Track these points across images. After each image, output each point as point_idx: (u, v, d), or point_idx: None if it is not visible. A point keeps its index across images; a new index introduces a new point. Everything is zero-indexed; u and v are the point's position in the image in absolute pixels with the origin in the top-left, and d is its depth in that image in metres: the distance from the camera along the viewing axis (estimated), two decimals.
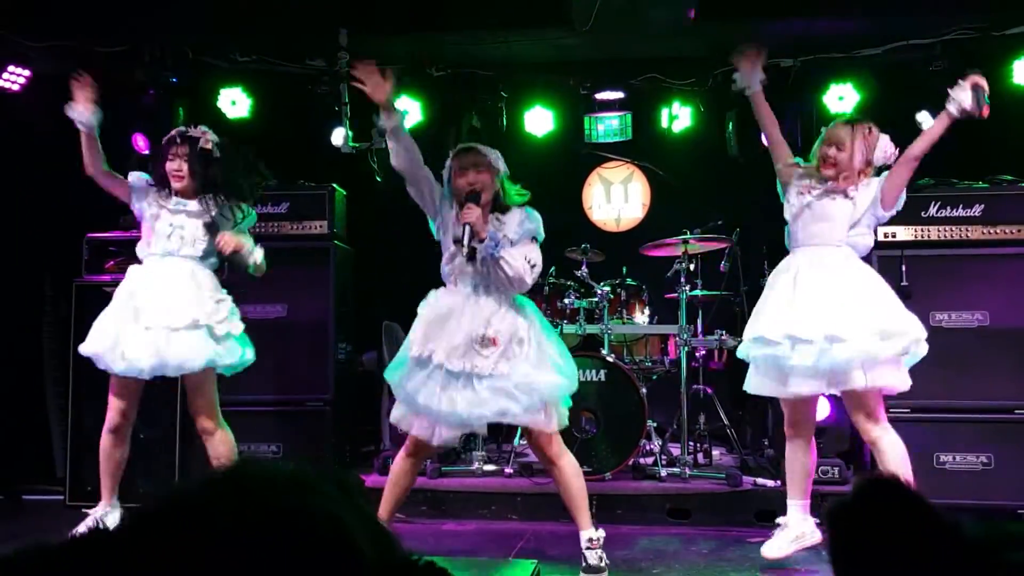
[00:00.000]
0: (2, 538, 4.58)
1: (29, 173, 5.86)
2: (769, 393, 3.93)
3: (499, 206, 3.72)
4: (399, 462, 3.84)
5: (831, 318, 3.58)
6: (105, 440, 4.05)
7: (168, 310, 3.89)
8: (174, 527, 0.76)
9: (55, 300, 5.92)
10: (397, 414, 3.74)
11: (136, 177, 4.12)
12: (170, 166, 4.02)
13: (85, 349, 3.99)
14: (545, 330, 3.78)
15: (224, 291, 4.12)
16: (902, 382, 3.69)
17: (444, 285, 3.80)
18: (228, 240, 3.94)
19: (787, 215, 3.92)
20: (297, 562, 0.75)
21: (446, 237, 3.71)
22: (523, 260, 3.62)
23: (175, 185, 4.03)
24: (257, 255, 4.04)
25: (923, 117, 5.47)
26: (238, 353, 4.06)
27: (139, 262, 4.10)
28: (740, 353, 3.96)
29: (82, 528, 3.69)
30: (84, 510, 4.04)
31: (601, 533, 3.83)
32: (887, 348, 3.60)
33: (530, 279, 3.67)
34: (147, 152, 5.65)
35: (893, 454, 3.65)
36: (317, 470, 0.84)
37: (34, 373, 5.94)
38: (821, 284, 3.68)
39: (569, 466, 3.82)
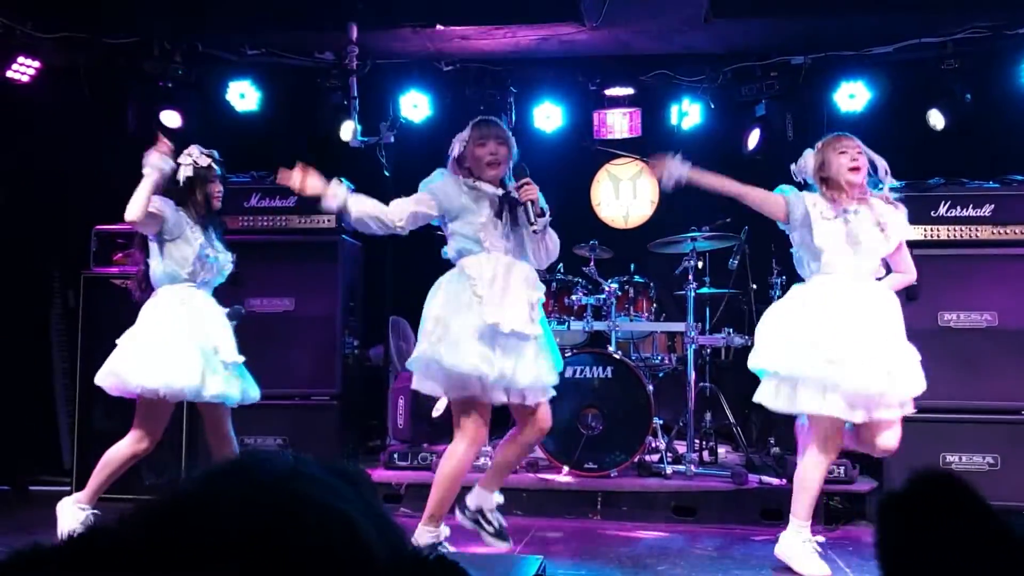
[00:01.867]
0: (9, 529, 4.60)
1: (38, 164, 5.87)
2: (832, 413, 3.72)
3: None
4: (465, 457, 3.69)
5: (898, 352, 3.70)
6: (124, 457, 3.98)
7: (229, 345, 4.00)
8: (177, 523, 0.75)
9: (63, 292, 5.94)
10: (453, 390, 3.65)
11: (163, 204, 3.96)
12: (215, 188, 4.07)
13: (169, 388, 3.85)
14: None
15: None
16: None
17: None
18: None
19: (820, 241, 3.77)
20: (306, 558, 0.74)
21: (464, 215, 3.67)
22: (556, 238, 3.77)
23: (216, 206, 4.10)
24: None
25: (934, 115, 5.45)
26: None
27: (149, 282, 4.08)
28: (803, 371, 3.74)
29: (79, 527, 3.68)
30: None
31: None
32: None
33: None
34: (180, 127, 5.60)
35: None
36: (323, 463, 0.83)
37: (42, 364, 5.96)
38: (875, 320, 3.73)
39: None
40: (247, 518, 0.74)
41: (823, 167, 3.83)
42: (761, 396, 3.90)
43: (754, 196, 3.94)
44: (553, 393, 3.80)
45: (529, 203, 3.59)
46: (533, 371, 3.62)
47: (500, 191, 3.70)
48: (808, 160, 3.90)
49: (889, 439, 3.78)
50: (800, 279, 4.00)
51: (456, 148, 3.77)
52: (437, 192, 3.71)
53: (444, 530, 3.80)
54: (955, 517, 0.95)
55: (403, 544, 0.84)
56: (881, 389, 3.65)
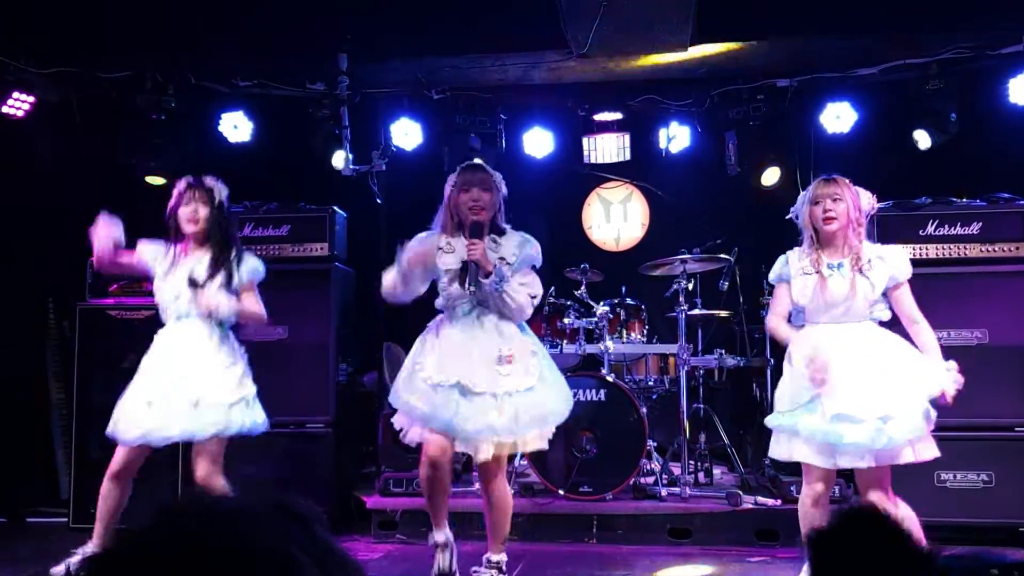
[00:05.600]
0: (6, 562, 4.60)
1: (33, 197, 5.91)
2: (815, 464, 3.61)
3: (496, 228, 3.80)
4: (423, 472, 3.81)
5: (882, 397, 3.49)
6: (106, 485, 3.94)
7: (174, 385, 3.85)
8: (118, 571, 0.77)
9: (58, 323, 5.96)
10: (413, 434, 3.79)
11: (143, 246, 4.04)
12: (184, 211, 3.97)
13: (125, 436, 3.88)
14: (545, 351, 3.91)
15: (240, 349, 4.08)
16: (934, 451, 3.61)
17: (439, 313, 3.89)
18: (206, 303, 3.91)
19: (797, 295, 3.67)
20: None
21: (440, 268, 3.77)
22: (525, 293, 3.70)
23: (188, 229, 3.97)
24: (229, 314, 3.98)
25: (920, 135, 5.49)
26: (246, 419, 3.98)
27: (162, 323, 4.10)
28: (779, 421, 3.66)
29: (61, 568, 3.60)
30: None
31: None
32: (928, 423, 3.57)
33: (529, 311, 3.77)
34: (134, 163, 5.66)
35: (910, 521, 3.57)
36: (273, 502, 0.85)
37: (38, 396, 5.97)
38: (864, 362, 3.55)
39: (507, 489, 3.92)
40: (188, 563, 0.76)
41: (809, 217, 3.69)
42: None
43: (784, 333, 3.75)
44: (484, 454, 3.70)
45: (473, 264, 3.62)
46: (475, 422, 3.63)
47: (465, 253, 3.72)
48: (799, 206, 3.78)
49: (868, 493, 3.60)
50: None
51: (446, 191, 3.85)
52: (431, 253, 3.80)
53: (439, 536, 3.87)
54: (880, 547, 0.98)
55: None
56: (831, 439, 3.48)
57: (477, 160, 4.03)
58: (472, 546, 4.66)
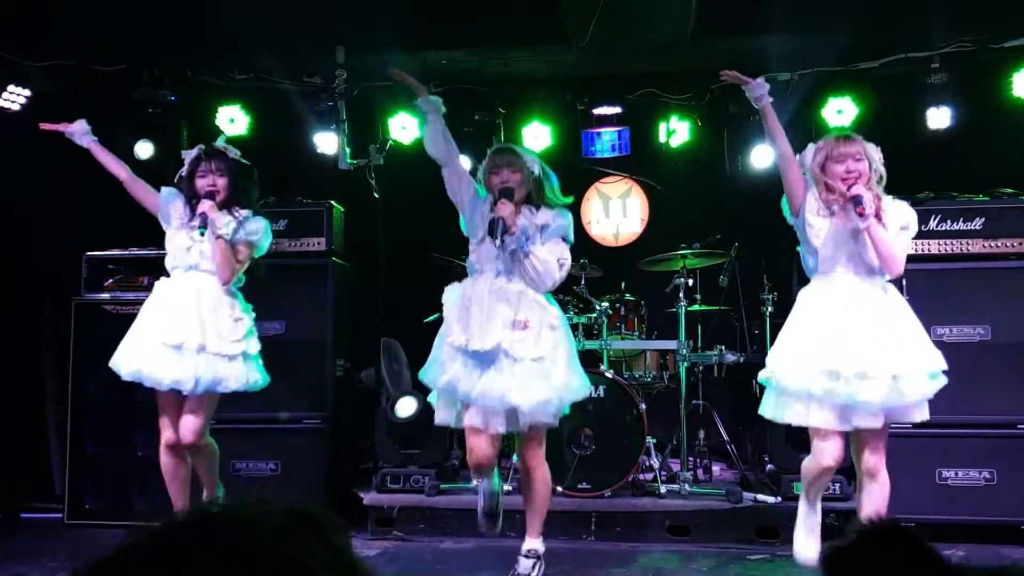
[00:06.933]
0: (0, 557, 4.57)
1: (29, 192, 5.87)
2: (833, 427, 3.61)
3: (532, 203, 3.85)
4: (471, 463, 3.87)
5: (897, 355, 3.52)
6: (162, 457, 4.07)
7: (179, 330, 3.91)
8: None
9: (54, 318, 5.93)
10: (444, 416, 3.82)
11: (166, 191, 4.14)
12: (203, 183, 4.02)
13: (126, 373, 3.96)
14: (568, 328, 3.93)
15: (247, 308, 4.14)
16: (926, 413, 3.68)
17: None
18: (208, 206, 3.92)
19: (812, 237, 3.67)
20: None
21: (476, 232, 3.84)
22: (553, 257, 3.75)
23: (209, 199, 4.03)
24: (221, 225, 3.98)
25: (933, 116, 5.39)
26: (248, 375, 4.05)
27: (167, 274, 4.14)
28: (793, 384, 3.61)
29: None
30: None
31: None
32: (936, 385, 3.62)
33: (558, 276, 3.79)
34: (147, 158, 5.64)
35: (887, 489, 3.66)
36: (287, 509, 0.81)
37: (33, 391, 5.94)
38: (878, 318, 3.57)
39: (547, 473, 3.92)
40: (197, 574, 0.72)
41: (822, 169, 3.68)
42: (761, 406, 3.83)
43: (793, 169, 3.72)
44: (544, 421, 3.74)
45: (499, 220, 3.65)
46: (487, 388, 3.63)
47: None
48: (808, 156, 3.76)
49: (868, 457, 3.63)
50: (806, 279, 3.85)
51: (482, 178, 3.92)
52: (474, 186, 3.88)
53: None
54: (905, 567, 0.93)
55: None
56: (850, 392, 3.49)
57: (506, 144, 4.17)
58: (473, 542, 4.65)
